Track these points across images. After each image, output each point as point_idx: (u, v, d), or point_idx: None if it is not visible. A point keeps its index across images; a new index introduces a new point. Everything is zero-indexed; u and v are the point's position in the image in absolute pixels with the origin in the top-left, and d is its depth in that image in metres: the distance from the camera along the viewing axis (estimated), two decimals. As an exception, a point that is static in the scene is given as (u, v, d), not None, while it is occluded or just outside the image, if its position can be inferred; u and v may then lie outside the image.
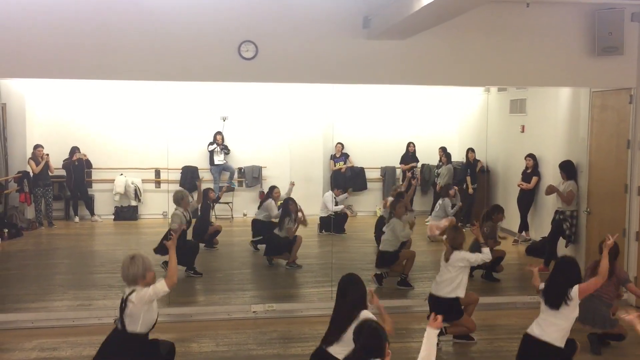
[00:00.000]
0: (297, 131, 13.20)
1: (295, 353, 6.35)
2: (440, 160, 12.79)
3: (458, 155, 12.87)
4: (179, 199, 8.84)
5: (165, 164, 11.14)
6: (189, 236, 9.20)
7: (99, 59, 7.10)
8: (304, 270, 9.29)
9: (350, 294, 4.62)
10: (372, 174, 13.49)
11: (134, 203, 12.83)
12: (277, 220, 9.74)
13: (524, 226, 10.87)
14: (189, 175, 12.47)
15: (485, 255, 6.48)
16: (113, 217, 12.74)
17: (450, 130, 13.67)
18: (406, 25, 6.64)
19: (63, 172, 12.53)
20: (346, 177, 13.04)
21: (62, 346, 6.49)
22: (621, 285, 6.51)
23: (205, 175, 12.35)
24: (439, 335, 6.40)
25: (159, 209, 12.08)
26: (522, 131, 11.24)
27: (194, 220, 9.56)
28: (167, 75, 7.36)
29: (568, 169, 9.24)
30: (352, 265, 9.05)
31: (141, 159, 12.61)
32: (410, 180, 11.33)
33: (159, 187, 12.68)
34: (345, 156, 13.23)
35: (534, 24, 7.71)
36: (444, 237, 6.69)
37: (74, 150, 12.41)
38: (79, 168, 12.42)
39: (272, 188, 10.39)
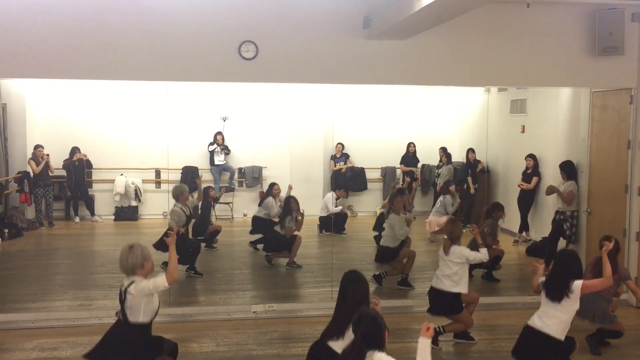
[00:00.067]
0: (298, 131, 13.20)
1: (295, 353, 6.35)
2: (440, 161, 12.78)
3: (458, 156, 12.87)
4: (178, 194, 8.82)
5: (165, 164, 11.15)
6: (189, 234, 9.20)
7: (99, 59, 7.11)
8: (304, 271, 9.29)
9: (351, 292, 4.60)
10: (372, 174, 13.48)
11: (134, 203, 12.84)
12: (277, 219, 9.73)
13: (524, 226, 10.87)
14: (190, 176, 12.46)
15: (483, 255, 6.48)
16: (113, 217, 12.75)
17: (451, 130, 13.66)
18: (406, 25, 6.64)
19: (63, 173, 12.54)
20: (346, 178, 13.04)
21: (62, 346, 6.49)
22: (621, 281, 6.51)
23: (206, 175, 12.35)
24: (438, 335, 6.45)
25: (159, 209, 12.08)
26: (523, 131, 11.25)
27: (194, 221, 9.57)
28: (168, 76, 7.36)
29: (568, 169, 9.24)
30: (352, 265, 8.86)
31: (141, 159, 12.62)
32: (410, 184, 11.32)
33: (159, 188, 12.69)
34: (345, 156, 13.23)
35: (534, 24, 7.72)
36: (444, 236, 6.69)
37: (74, 150, 12.42)
38: (79, 168, 12.43)
39: (272, 185, 10.34)
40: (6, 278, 8.81)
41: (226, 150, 12.88)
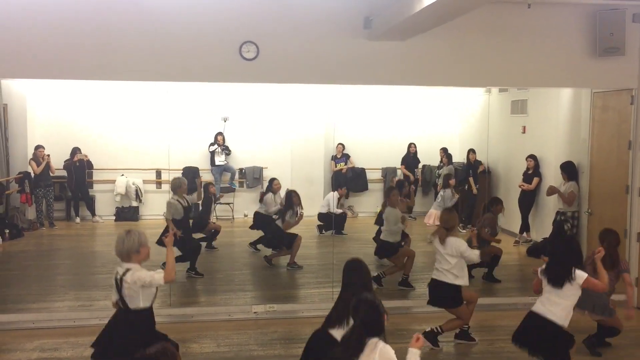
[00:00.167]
0: (298, 132, 13.21)
1: (296, 354, 6.32)
2: (441, 161, 12.80)
3: (459, 156, 12.88)
4: (176, 187, 8.78)
5: (166, 164, 11.16)
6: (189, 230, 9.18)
7: (99, 59, 7.10)
8: (305, 271, 9.28)
9: (353, 279, 4.58)
10: (373, 175, 13.50)
11: (135, 204, 12.85)
12: (277, 217, 9.70)
13: (525, 227, 10.87)
14: (190, 176, 12.45)
15: (475, 256, 6.46)
16: (114, 217, 12.77)
17: (452, 131, 13.68)
18: (407, 25, 6.64)
19: (64, 173, 12.55)
20: (347, 178, 13.05)
21: (63, 347, 6.49)
22: (620, 273, 6.51)
23: (207, 176, 12.36)
24: (437, 335, 6.44)
25: (159, 209, 11.99)
26: (523, 132, 11.24)
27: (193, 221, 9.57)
28: (168, 76, 7.35)
29: (569, 170, 9.24)
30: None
31: (142, 160, 12.63)
32: (409, 189, 11.32)
33: (160, 188, 12.69)
34: (346, 157, 13.24)
35: (535, 24, 7.71)
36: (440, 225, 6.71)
37: (75, 150, 12.43)
38: (80, 169, 12.44)
39: (272, 180, 10.24)
40: (7, 278, 8.82)
41: (227, 151, 12.89)
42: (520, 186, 10.72)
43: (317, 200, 11.89)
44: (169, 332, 5.89)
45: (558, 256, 5.30)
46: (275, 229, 9.51)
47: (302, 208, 9.57)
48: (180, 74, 7.33)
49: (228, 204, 12.71)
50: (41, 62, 7.06)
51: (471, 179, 12.00)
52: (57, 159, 12.31)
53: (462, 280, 6.40)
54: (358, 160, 13.38)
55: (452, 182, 11.41)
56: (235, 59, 7.28)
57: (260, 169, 13.06)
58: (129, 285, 4.68)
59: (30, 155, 12.14)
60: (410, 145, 13.14)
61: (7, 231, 10.85)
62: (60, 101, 12.82)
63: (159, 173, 12.73)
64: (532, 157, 10.61)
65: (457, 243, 6.38)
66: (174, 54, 7.20)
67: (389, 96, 13.20)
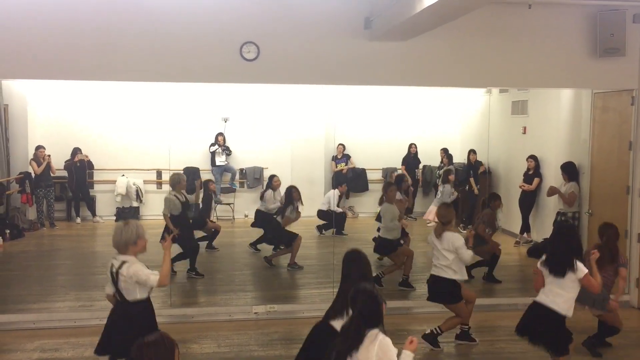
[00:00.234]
0: (299, 132, 13.21)
1: (296, 354, 6.33)
2: (441, 162, 12.80)
3: (460, 157, 12.88)
4: (175, 183, 8.76)
5: (166, 165, 11.13)
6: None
7: (99, 59, 7.10)
8: (305, 272, 9.28)
9: (352, 270, 4.59)
10: (373, 175, 13.49)
11: (135, 204, 12.85)
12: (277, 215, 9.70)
13: (525, 228, 10.87)
14: (191, 177, 12.46)
15: (468, 256, 6.45)
16: (114, 218, 12.76)
17: (452, 131, 13.68)
18: (408, 26, 6.63)
19: (65, 173, 12.56)
20: (347, 179, 13.05)
21: (63, 347, 6.49)
22: (618, 267, 6.50)
23: (207, 176, 12.35)
24: (437, 336, 6.44)
25: (160, 209, 12.01)
26: (524, 132, 11.24)
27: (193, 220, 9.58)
28: (169, 76, 7.35)
29: (570, 171, 9.24)
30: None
31: (143, 160, 12.64)
32: (408, 191, 11.32)
33: (161, 188, 12.69)
34: (346, 157, 13.24)
35: (535, 25, 7.71)
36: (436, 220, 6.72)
37: (76, 151, 12.44)
38: (80, 169, 12.45)
39: (272, 177, 10.21)
40: (7, 279, 8.83)
41: (227, 151, 12.90)
42: (520, 187, 10.71)
43: (317, 200, 11.88)
44: (169, 333, 5.90)
45: (558, 245, 5.31)
46: (275, 226, 9.50)
47: (302, 204, 9.56)
48: (181, 75, 7.33)
49: (228, 204, 12.71)
50: (41, 63, 7.05)
51: (472, 180, 12.00)
52: (58, 159, 12.32)
53: (458, 275, 6.39)
54: (358, 160, 13.38)
55: (452, 177, 11.42)
56: (235, 59, 7.28)
57: (261, 170, 13.06)
58: (125, 278, 4.67)
59: (30, 156, 12.15)
60: (410, 145, 13.14)
61: (7, 231, 10.85)
62: (60, 101, 12.83)
63: (159, 173, 12.73)
64: (532, 157, 10.60)
65: (454, 238, 6.36)
66: (174, 55, 7.20)
67: (389, 97, 13.20)
